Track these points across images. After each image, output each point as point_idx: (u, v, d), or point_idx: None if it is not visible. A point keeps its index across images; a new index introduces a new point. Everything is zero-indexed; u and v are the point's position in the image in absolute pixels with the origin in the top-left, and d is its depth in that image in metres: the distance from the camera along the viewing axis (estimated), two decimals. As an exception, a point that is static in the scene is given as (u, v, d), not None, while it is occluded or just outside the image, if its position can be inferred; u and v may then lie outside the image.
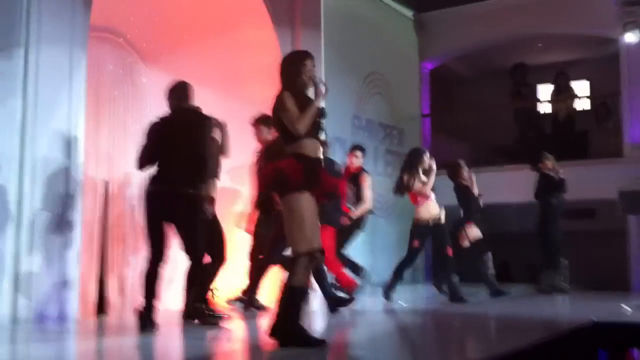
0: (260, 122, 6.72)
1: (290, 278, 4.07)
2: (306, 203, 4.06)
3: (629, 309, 6.36)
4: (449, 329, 5.41)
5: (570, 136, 11.38)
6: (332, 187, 4.28)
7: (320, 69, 8.85)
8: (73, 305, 5.84)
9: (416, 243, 7.22)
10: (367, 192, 7.42)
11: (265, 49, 8.36)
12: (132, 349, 4.58)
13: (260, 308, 6.41)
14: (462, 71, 13.48)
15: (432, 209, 7.22)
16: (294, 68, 4.29)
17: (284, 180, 4.07)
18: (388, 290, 7.19)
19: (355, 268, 7.52)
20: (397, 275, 7.24)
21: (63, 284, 5.76)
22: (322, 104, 4.30)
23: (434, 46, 11.96)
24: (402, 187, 7.26)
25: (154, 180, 5.09)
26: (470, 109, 12.53)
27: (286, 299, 4.08)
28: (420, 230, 7.20)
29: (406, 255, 7.31)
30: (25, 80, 5.62)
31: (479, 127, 11.04)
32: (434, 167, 7.18)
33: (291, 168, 4.08)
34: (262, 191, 5.72)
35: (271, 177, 4.19)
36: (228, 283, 6.83)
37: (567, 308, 6.75)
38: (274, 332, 4.08)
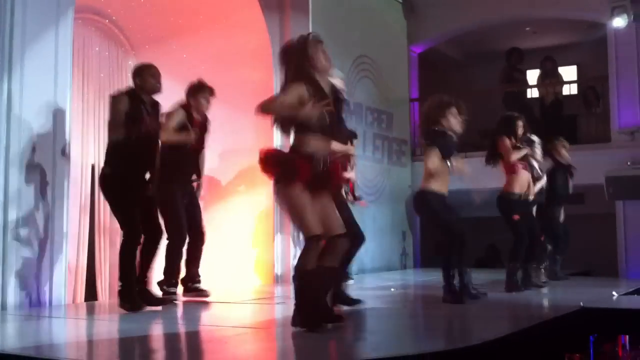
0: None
1: (299, 261, 4.23)
2: (300, 192, 4.11)
3: (615, 294, 6.38)
4: (437, 315, 5.40)
5: (559, 121, 11.37)
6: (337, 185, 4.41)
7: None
8: (62, 291, 5.79)
9: (516, 217, 6.58)
10: None
11: (253, 32, 8.29)
12: (118, 333, 4.55)
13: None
14: (451, 55, 13.42)
15: (523, 181, 6.68)
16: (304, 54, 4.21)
17: (292, 172, 4.10)
18: (510, 281, 6.59)
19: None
20: (515, 260, 6.60)
21: (51, 270, 5.69)
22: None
23: (422, 29, 11.88)
24: (492, 156, 6.73)
25: None
26: (459, 92, 12.45)
27: (297, 283, 4.25)
28: (515, 202, 6.59)
29: (515, 235, 6.62)
30: (10, 61, 5.52)
31: (468, 111, 10.99)
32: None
33: (303, 166, 4.09)
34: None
35: (278, 163, 4.19)
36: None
37: (556, 293, 6.76)
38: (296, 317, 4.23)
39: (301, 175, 4.09)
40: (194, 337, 4.49)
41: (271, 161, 4.18)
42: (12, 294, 5.40)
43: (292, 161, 4.15)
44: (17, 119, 5.54)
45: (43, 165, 5.72)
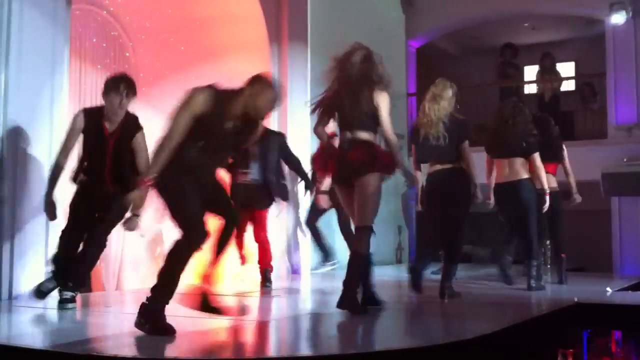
0: None
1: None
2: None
3: (609, 290, 6.40)
4: (432, 310, 5.40)
5: (556, 117, 11.36)
6: None
7: (306, 46, 8.77)
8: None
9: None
10: None
11: (250, 24, 8.26)
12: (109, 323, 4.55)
13: None
14: (449, 49, 13.42)
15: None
16: None
17: None
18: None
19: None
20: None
21: (44, 261, 5.67)
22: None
23: (420, 24, 11.88)
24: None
25: None
26: (457, 88, 12.46)
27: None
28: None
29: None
30: (7, 53, 5.49)
31: (465, 106, 11.00)
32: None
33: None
34: None
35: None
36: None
37: (550, 288, 6.77)
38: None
39: None
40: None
41: None
42: (3, 286, 5.37)
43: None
44: (14, 110, 5.51)
45: (39, 156, 5.70)
